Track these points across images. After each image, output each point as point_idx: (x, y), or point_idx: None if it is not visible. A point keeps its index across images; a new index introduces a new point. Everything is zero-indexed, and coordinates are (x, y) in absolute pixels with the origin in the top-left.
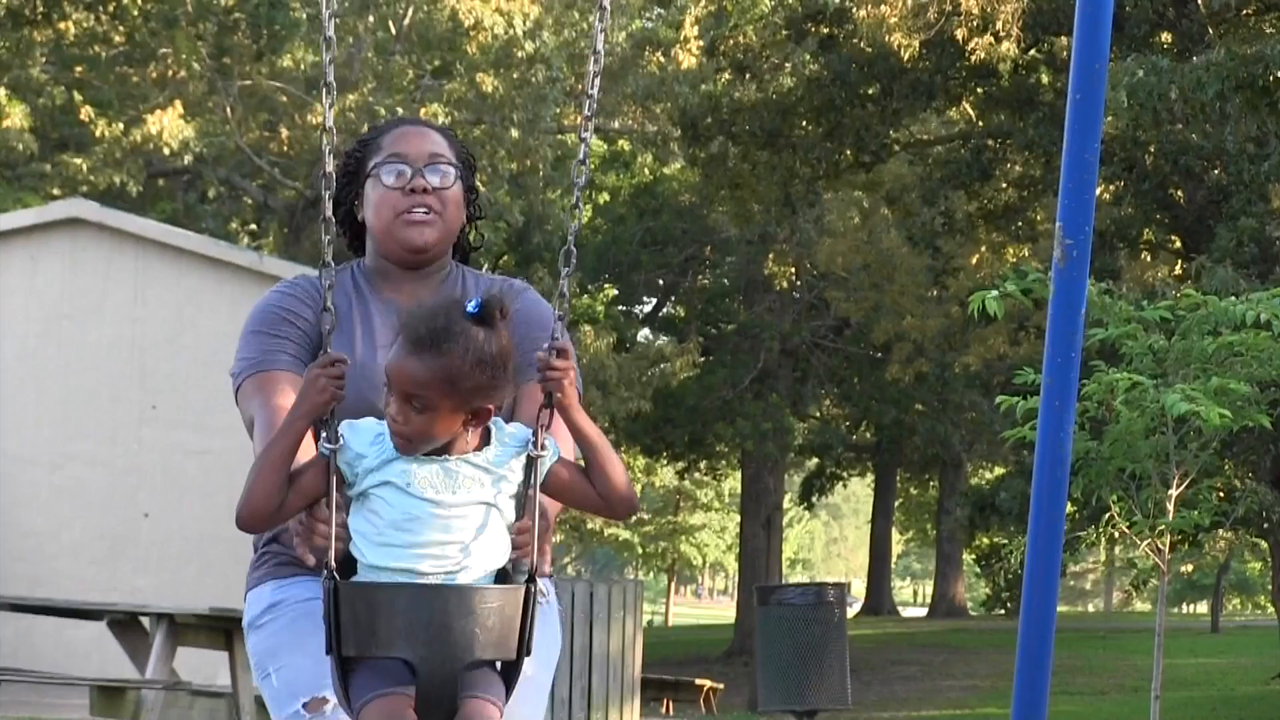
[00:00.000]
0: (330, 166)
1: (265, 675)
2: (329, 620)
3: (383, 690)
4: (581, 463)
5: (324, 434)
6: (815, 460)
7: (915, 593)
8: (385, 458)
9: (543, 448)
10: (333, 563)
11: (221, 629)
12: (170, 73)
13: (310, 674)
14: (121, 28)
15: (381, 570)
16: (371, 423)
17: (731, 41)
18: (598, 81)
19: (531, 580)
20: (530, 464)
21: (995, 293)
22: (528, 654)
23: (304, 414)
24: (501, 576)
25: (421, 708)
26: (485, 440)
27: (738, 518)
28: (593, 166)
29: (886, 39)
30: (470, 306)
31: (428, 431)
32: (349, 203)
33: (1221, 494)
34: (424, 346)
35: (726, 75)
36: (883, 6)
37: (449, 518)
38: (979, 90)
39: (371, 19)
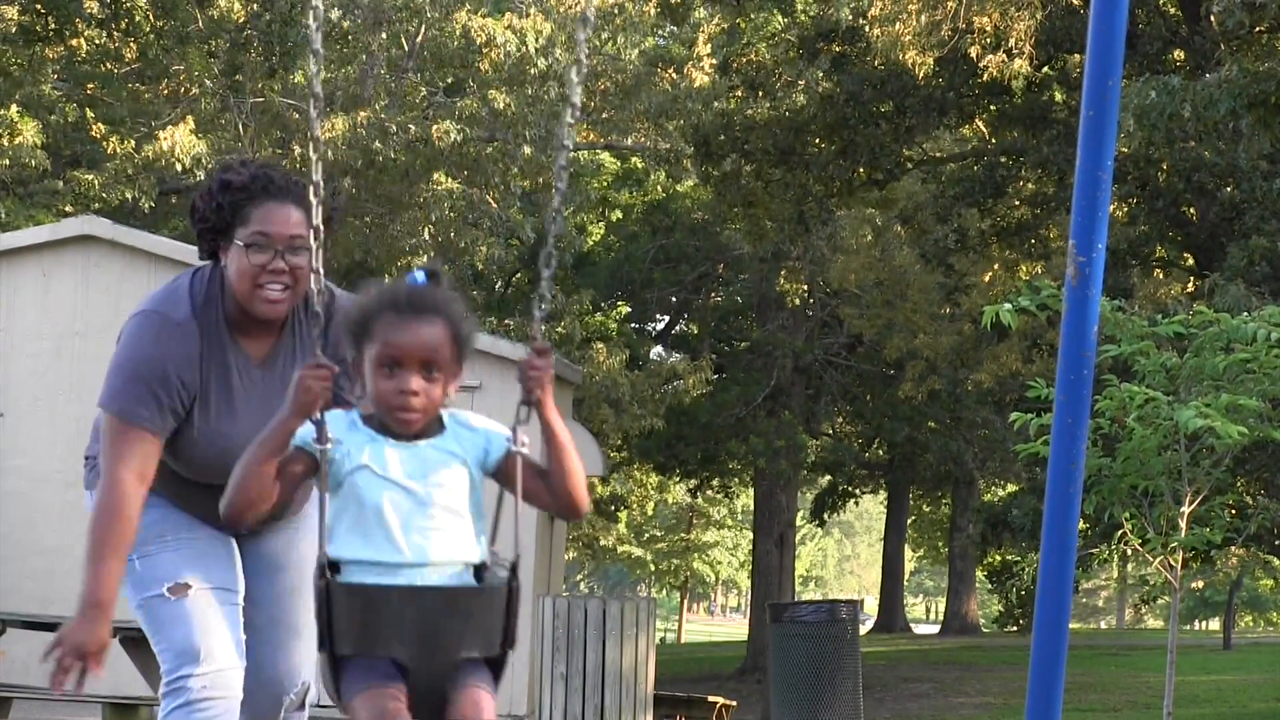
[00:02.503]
0: (318, 175)
1: (130, 559)
2: (322, 619)
3: (373, 683)
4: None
5: (314, 433)
6: (828, 477)
7: (928, 610)
8: (359, 442)
9: (522, 444)
10: (325, 561)
11: None
12: (182, 90)
13: (173, 565)
14: (133, 45)
15: (364, 563)
16: (340, 413)
17: (745, 59)
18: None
19: (513, 575)
20: (507, 456)
21: (1008, 306)
22: (511, 647)
23: (293, 414)
24: (478, 572)
25: (414, 702)
26: (440, 426)
27: (750, 535)
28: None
29: (900, 57)
30: (421, 276)
31: (441, 398)
32: (213, 246)
33: (1234, 511)
34: (426, 310)
35: (739, 93)
36: (896, 24)
37: (424, 502)
38: (992, 108)
39: (384, 36)
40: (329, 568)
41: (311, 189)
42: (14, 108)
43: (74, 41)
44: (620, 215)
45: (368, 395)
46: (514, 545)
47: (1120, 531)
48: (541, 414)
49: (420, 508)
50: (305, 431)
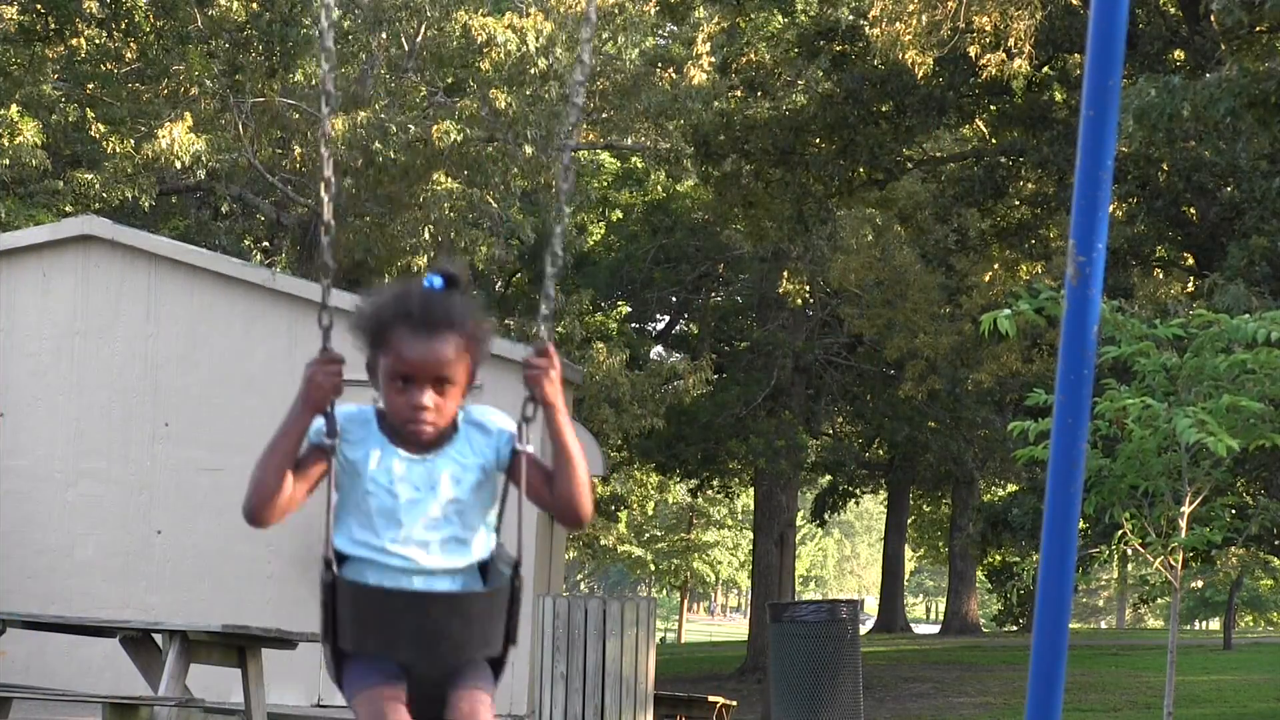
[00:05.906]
0: (329, 172)
1: None
2: (327, 612)
3: (374, 683)
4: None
5: (323, 426)
6: (828, 477)
7: (928, 609)
8: (371, 447)
9: (527, 442)
10: (330, 555)
11: (234, 646)
12: (182, 90)
13: None
14: (133, 44)
15: (368, 562)
16: (355, 410)
17: (744, 59)
18: None
19: (515, 573)
20: (513, 456)
21: (1008, 312)
22: (513, 644)
23: (304, 409)
24: (484, 572)
25: (415, 699)
26: (453, 430)
27: (750, 535)
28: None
29: (900, 56)
30: (438, 282)
31: (455, 408)
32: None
33: (1234, 511)
34: (439, 325)
35: (739, 93)
36: (897, 24)
37: (430, 509)
38: (992, 107)
39: (384, 36)
40: (335, 561)
41: (322, 185)
42: (14, 108)
43: (74, 41)
44: (620, 215)
45: (381, 401)
46: (516, 544)
47: (1120, 532)
48: (549, 416)
49: (426, 515)
50: (318, 426)
